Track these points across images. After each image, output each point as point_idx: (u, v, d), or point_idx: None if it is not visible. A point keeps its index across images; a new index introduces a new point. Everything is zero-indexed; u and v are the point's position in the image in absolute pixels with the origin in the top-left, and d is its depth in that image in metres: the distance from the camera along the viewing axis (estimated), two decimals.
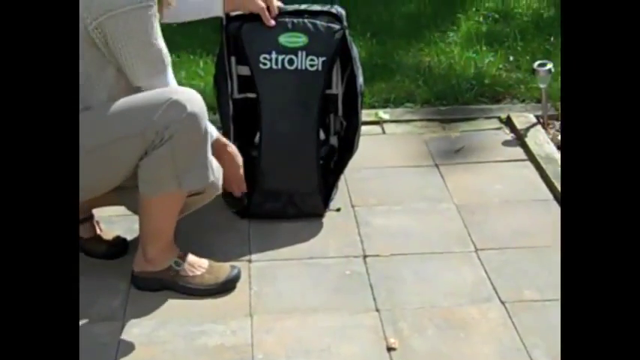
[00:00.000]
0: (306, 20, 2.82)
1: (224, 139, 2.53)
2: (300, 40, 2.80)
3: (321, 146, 2.88)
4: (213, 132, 2.46)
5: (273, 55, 2.79)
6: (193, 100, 2.29)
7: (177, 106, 2.26)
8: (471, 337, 2.31)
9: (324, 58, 2.80)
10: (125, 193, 2.42)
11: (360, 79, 2.89)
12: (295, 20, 2.81)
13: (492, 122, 3.60)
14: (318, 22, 2.82)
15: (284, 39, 2.80)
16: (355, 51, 2.89)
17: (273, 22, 2.78)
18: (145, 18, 2.27)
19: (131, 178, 2.34)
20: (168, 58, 2.37)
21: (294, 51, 2.80)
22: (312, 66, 2.80)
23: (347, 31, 2.87)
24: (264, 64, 2.80)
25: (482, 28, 4.59)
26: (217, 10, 2.76)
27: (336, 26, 2.82)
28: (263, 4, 2.77)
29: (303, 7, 2.90)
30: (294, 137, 2.84)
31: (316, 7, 2.89)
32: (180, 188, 2.34)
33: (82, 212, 2.65)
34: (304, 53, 2.80)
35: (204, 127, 2.31)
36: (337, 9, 2.88)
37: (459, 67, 4.07)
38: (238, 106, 2.91)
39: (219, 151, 2.48)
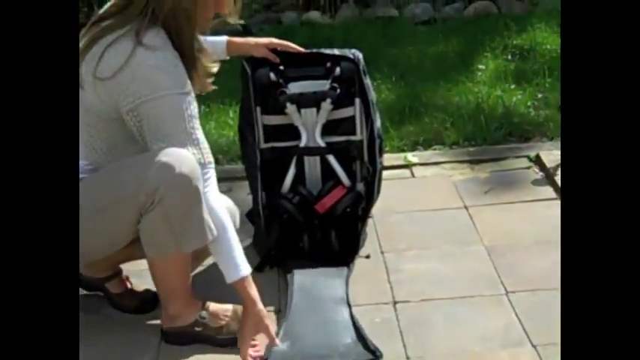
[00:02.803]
0: None
1: (253, 295, 2.39)
2: None
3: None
4: (244, 270, 2.37)
5: None
6: (182, 161, 2.24)
7: (166, 167, 2.22)
8: None
9: None
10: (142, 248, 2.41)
11: (378, 123, 2.91)
12: None
13: (521, 161, 3.59)
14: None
15: None
16: (373, 95, 2.91)
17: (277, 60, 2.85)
18: (179, 104, 2.27)
19: None
20: (208, 154, 2.34)
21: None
22: None
23: (366, 76, 2.89)
24: None
25: (510, 66, 4.60)
26: (221, 54, 2.79)
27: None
28: (266, 50, 2.83)
29: (322, 50, 2.94)
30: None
31: (335, 52, 2.92)
32: (179, 250, 2.34)
33: (109, 268, 2.68)
34: None
35: (194, 187, 2.26)
36: (355, 53, 2.91)
37: (487, 107, 4.07)
38: (265, 155, 2.93)
39: (246, 305, 2.39)
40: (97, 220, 2.27)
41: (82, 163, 2.37)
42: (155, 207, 2.25)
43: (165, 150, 2.26)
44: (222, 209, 2.37)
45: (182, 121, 2.28)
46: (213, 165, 2.36)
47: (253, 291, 2.38)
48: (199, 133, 2.32)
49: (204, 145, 2.33)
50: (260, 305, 2.39)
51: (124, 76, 2.25)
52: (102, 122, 2.33)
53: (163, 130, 2.27)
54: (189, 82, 2.32)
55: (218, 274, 2.39)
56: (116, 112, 2.30)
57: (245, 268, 2.36)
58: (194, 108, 2.31)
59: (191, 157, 2.27)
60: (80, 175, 2.34)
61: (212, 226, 2.32)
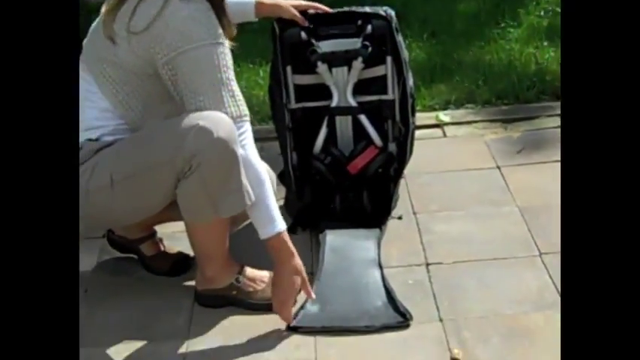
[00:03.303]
0: None
1: (291, 248, 2.41)
2: None
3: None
4: (281, 224, 2.37)
5: None
6: (219, 124, 2.22)
7: (203, 132, 2.20)
8: (536, 345, 2.27)
9: None
10: (179, 209, 2.39)
11: (410, 82, 2.87)
12: None
13: (554, 120, 3.54)
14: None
15: None
16: (405, 53, 2.87)
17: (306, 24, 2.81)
18: (214, 55, 2.25)
19: None
20: (243, 106, 2.31)
21: None
22: None
23: (398, 34, 2.85)
24: None
25: (542, 23, 4.52)
26: (250, 16, 2.77)
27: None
28: (295, 11, 2.79)
29: (353, 8, 2.90)
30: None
31: (367, 9, 2.88)
32: (217, 215, 2.32)
33: (143, 230, 2.69)
34: None
35: (232, 152, 2.24)
36: (387, 10, 2.87)
37: (520, 65, 4.02)
38: (296, 116, 2.92)
39: (282, 260, 2.40)
40: (132, 185, 2.27)
41: (117, 122, 2.37)
42: (193, 173, 2.23)
43: (202, 113, 2.25)
44: (259, 162, 2.36)
45: (218, 71, 2.26)
46: (248, 117, 2.34)
47: (290, 245, 2.39)
48: (234, 85, 2.31)
49: (240, 97, 2.32)
50: (298, 259, 2.40)
51: (157, 28, 2.25)
52: (137, 79, 2.33)
53: (199, 82, 2.26)
54: (222, 32, 2.30)
55: (256, 237, 2.38)
56: (151, 67, 2.29)
57: (281, 223, 2.36)
58: (229, 59, 2.30)
59: (228, 120, 2.26)
60: (116, 137, 2.35)
61: (250, 190, 2.30)
